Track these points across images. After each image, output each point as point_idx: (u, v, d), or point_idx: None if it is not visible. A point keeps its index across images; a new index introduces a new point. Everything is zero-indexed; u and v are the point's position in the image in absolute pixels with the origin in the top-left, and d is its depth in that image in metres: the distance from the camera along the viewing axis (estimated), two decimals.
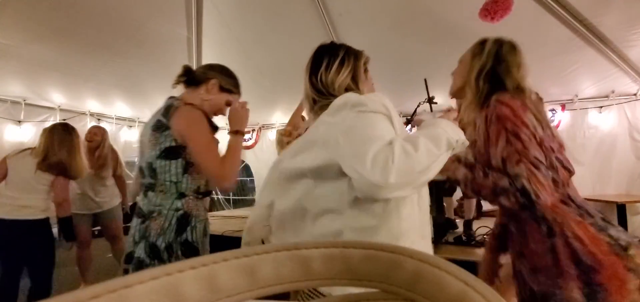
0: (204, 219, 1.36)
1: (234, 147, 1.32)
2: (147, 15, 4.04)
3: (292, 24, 4.36)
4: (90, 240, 3.16)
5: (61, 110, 5.14)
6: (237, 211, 5.05)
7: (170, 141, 1.25)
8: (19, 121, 4.74)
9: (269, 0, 4.06)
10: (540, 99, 1.08)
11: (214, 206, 6.54)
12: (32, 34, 3.79)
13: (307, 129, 1.01)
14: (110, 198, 3.24)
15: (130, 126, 6.21)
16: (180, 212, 1.26)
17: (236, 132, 1.35)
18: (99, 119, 5.65)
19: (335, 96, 0.92)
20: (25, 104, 4.77)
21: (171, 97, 1.37)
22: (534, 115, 0.93)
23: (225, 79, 1.43)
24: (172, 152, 1.25)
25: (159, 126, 1.27)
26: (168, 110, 1.28)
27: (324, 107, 0.92)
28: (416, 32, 4.19)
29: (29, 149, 2.54)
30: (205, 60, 4.95)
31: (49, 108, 5.04)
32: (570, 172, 0.96)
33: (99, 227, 3.29)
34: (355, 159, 0.72)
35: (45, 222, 2.39)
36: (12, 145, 4.65)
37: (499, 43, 1.11)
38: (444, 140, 0.75)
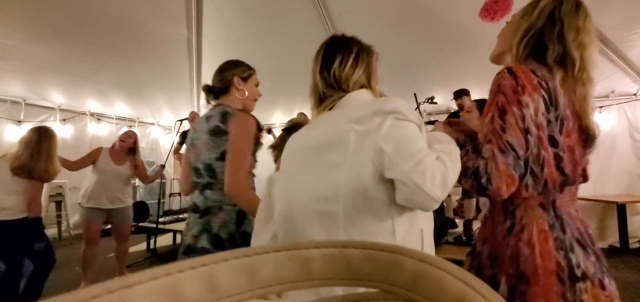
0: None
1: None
2: (147, 15, 4.05)
3: (292, 24, 4.36)
4: (99, 238, 3.19)
5: (61, 110, 5.14)
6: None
7: (228, 145, 1.37)
8: (19, 121, 4.74)
9: (269, 0, 4.06)
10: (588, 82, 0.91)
11: None
12: (32, 34, 3.79)
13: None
14: (127, 197, 3.33)
15: (130, 126, 6.21)
16: (238, 207, 1.39)
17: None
18: (99, 119, 5.66)
19: (345, 92, 0.90)
20: (25, 104, 4.77)
21: (217, 105, 1.50)
22: (545, 99, 0.81)
23: (239, 70, 1.54)
24: None
25: (217, 131, 1.39)
26: (226, 117, 1.41)
27: (334, 103, 0.90)
28: (416, 32, 4.19)
29: (6, 153, 2.62)
30: (205, 60, 4.95)
31: (49, 108, 5.04)
32: (566, 177, 0.84)
33: (104, 227, 3.31)
34: (414, 173, 0.72)
35: (23, 222, 2.47)
36: (12, 145, 4.65)
37: (559, 0, 0.90)
38: (456, 153, 0.83)
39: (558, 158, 0.83)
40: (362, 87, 0.93)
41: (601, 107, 4.32)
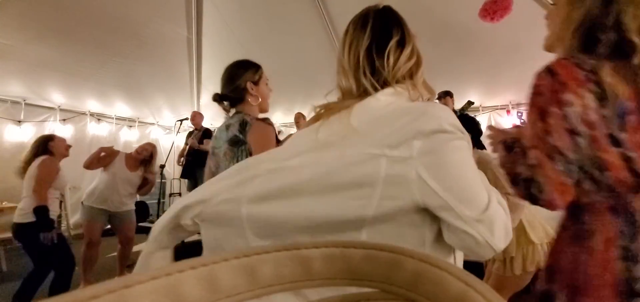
0: None
1: None
2: (148, 15, 4.05)
3: (292, 24, 4.36)
4: (100, 239, 3.21)
5: (61, 110, 5.14)
6: None
7: (246, 154, 1.38)
8: (19, 121, 4.74)
9: (269, 0, 4.06)
10: None
11: None
12: (32, 34, 3.79)
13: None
14: (131, 202, 3.38)
15: (130, 126, 6.21)
16: None
17: None
18: (99, 119, 5.66)
19: (386, 85, 0.70)
20: (25, 104, 4.77)
21: (236, 112, 1.50)
22: (596, 93, 0.71)
23: (250, 74, 1.53)
24: None
25: (236, 141, 1.40)
26: (244, 126, 1.41)
27: (362, 97, 0.69)
28: (416, 32, 4.18)
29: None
30: (205, 61, 4.95)
31: (49, 108, 5.04)
32: (637, 176, 0.72)
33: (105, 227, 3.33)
34: (480, 224, 0.58)
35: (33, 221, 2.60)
36: (12, 145, 4.65)
37: None
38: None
39: (627, 159, 0.71)
40: (397, 82, 0.72)
41: None
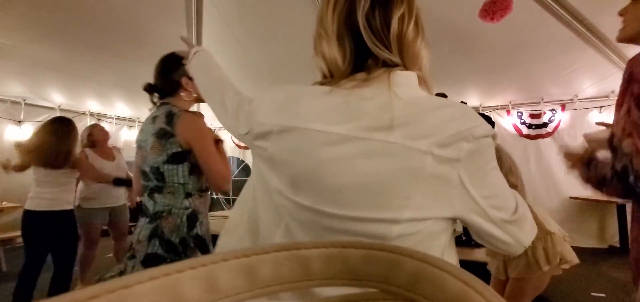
0: (206, 215, 1.48)
1: (223, 152, 1.51)
2: (147, 15, 4.05)
3: (292, 25, 4.36)
4: (99, 239, 3.21)
5: (61, 110, 5.14)
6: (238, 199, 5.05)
7: (176, 147, 1.35)
8: (19, 121, 4.74)
9: (269, 0, 4.06)
10: None
11: (214, 205, 6.54)
12: (32, 34, 3.79)
13: None
14: (123, 194, 3.35)
15: (130, 126, 6.21)
16: (189, 210, 1.37)
17: (219, 141, 1.52)
18: (99, 119, 5.66)
19: (399, 65, 0.58)
20: (25, 104, 4.77)
21: (165, 103, 1.45)
22: None
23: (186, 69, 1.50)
24: (179, 157, 1.35)
25: (164, 134, 1.35)
26: (171, 118, 1.37)
27: (386, 79, 0.56)
28: None
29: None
30: None
31: (49, 108, 5.04)
32: None
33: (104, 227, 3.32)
34: (513, 226, 0.57)
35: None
36: (12, 145, 4.66)
37: None
38: None
39: None
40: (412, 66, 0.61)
41: (601, 107, 4.32)
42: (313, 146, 0.56)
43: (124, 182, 2.88)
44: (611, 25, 3.51)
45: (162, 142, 1.35)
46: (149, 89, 1.49)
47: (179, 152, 1.35)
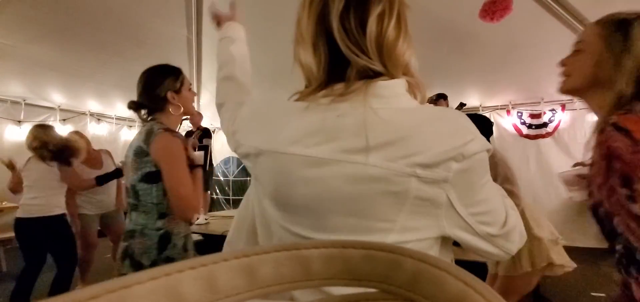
0: (185, 235, 1.43)
1: (200, 181, 1.47)
2: (147, 15, 4.05)
3: (292, 25, 4.35)
4: (97, 241, 3.21)
5: (61, 110, 5.14)
6: (237, 211, 5.05)
7: (150, 166, 1.31)
8: (19, 121, 4.74)
9: (269, 0, 4.06)
10: None
11: (213, 205, 6.54)
12: (32, 34, 3.79)
13: None
14: (115, 198, 3.33)
15: (130, 126, 6.21)
16: (162, 231, 1.33)
17: (197, 167, 1.48)
18: (99, 119, 5.66)
19: (383, 73, 0.52)
20: (25, 104, 4.77)
21: (152, 119, 1.42)
22: None
23: (170, 82, 1.44)
24: (152, 177, 1.32)
25: (140, 152, 1.32)
26: (149, 136, 1.33)
27: (368, 90, 0.51)
28: (415, 32, 4.17)
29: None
30: (205, 60, 4.95)
31: (49, 108, 5.04)
32: None
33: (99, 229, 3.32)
34: (501, 239, 0.55)
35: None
36: (12, 145, 4.65)
37: None
38: None
39: None
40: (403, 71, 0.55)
41: None
42: (292, 169, 0.52)
43: (108, 177, 2.83)
44: None
45: (137, 161, 1.32)
46: (134, 106, 1.43)
47: (153, 172, 1.31)
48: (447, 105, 3.72)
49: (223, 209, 6.25)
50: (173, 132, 1.38)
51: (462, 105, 4.26)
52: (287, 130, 0.54)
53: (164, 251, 1.33)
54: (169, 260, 1.33)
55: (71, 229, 2.75)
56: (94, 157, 3.20)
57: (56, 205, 2.64)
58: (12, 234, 4.29)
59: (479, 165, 0.51)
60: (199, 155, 1.53)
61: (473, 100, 5.08)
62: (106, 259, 3.80)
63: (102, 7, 3.79)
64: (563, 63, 0.93)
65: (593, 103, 0.84)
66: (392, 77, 0.53)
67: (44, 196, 2.60)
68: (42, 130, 2.73)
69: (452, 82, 4.48)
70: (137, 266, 1.29)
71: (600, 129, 0.74)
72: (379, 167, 0.48)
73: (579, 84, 0.89)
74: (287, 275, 0.23)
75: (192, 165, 1.43)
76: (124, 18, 3.98)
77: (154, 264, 1.30)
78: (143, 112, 1.44)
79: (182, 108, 1.45)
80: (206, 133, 4.67)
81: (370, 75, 0.52)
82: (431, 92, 4.27)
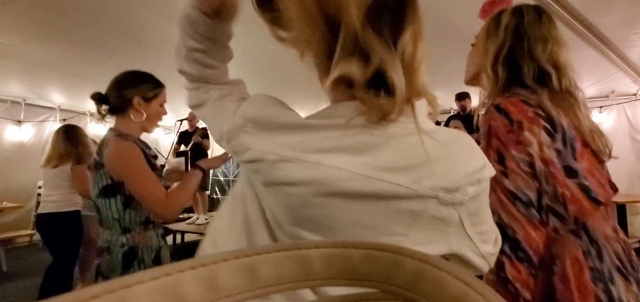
0: (157, 248, 1.34)
1: (191, 181, 1.35)
2: (147, 15, 4.05)
3: None
4: (98, 240, 3.22)
5: (61, 110, 5.15)
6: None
7: (106, 179, 1.23)
8: (19, 121, 4.75)
9: None
10: (572, 95, 0.82)
11: (213, 205, 6.54)
12: (32, 34, 3.79)
13: None
14: None
15: None
16: (126, 248, 1.24)
17: (196, 166, 1.38)
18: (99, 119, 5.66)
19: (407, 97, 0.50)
20: (25, 104, 4.78)
21: (110, 129, 1.33)
22: (547, 129, 0.73)
23: (143, 89, 1.37)
24: (110, 190, 1.24)
25: (96, 164, 1.26)
26: (101, 147, 1.26)
27: (400, 115, 0.49)
28: None
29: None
30: None
31: (49, 108, 5.05)
32: (597, 202, 0.73)
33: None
34: (492, 256, 0.59)
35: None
36: (12, 145, 4.65)
37: (519, 13, 0.84)
38: None
39: (585, 188, 0.72)
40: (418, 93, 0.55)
41: (601, 107, 4.32)
42: (328, 181, 0.50)
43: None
44: (611, 25, 3.51)
45: (95, 175, 1.25)
46: (98, 98, 1.33)
47: (110, 185, 1.22)
48: (470, 103, 3.70)
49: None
50: (126, 136, 1.29)
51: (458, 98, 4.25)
52: (314, 140, 0.51)
53: (130, 268, 1.24)
54: None
55: (81, 228, 2.83)
56: None
57: (70, 202, 2.78)
58: (12, 234, 4.30)
59: (487, 189, 0.54)
60: (177, 162, 1.45)
61: (474, 100, 5.08)
62: None
63: (102, 7, 3.79)
64: (467, 58, 1.02)
65: (484, 89, 0.90)
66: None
67: (57, 194, 2.76)
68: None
69: (454, 82, 4.47)
70: None
71: (485, 110, 0.82)
72: (404, 187, 0.48)
73: (470, 75, 0.99)
74: (287, 275, 0.23)
75: (153, 165, 1.34)
76: (124, 18, 3.98)
77: None
78: (104, 107, 1.34)
79: (144, 117, 1.35)
80: (206, 133, 4.67)
81: None
82: (433, 92, 4.27)
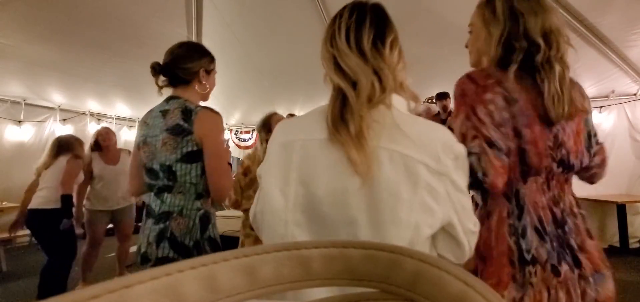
0: (215, 217, 1.44)
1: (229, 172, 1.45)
2: (147, 15, 4.05)
3: (292, 25, 4.36)
4: (102, 240, 3.22)
5: (61, 110, 5.14)
6: (237, 211, 5.06)
7: (192, 145, 1.26)
8: (19, 121, 4.74)
9: (270, 0, 4.06)
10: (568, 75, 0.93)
11: (213, 205, 6.53)
12: (32, 34, 3.79)
13: None
14: (128, 195, 3.30)
15: (130, 126, 6.21)
16: (201, 211, 1.30)
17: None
18: (99, 119, 5.66)
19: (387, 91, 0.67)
20: (25, 104, 4.77)
21: (172, 98, 1.35)
22: (504, 96, 0.87)
23: (206, 62, 1.42)
24: (194, 156, 1.27)
25: (180, 130, 1.26)
26: (189, 114, 1.28)
27: (383, 104, 0.65)
28: (416, 32, 4.18)
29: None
30: None
31: (49, 108, 5.04)
32: (527, 167, 0.87)
33: (109, 226, 3.33)
34: (473, 235, 0.68)
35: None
36: (12, 145, 4.65)
37: None
38: None
39: (521, 151, 0.86)
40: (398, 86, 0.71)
41: (601, 107, 4.32)
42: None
43: (65, 203, 2.75)
44: (611, 25, 3.51)
45: (177, 139, 1.26)
46: (158, 69, 1.36)
47: (195, 151, 1.26)
48: (450, 102, 3.75)
49: (223, 209, 6.24)
50: (213, 110, 1.34)
51: None
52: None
53: (206, 231, 1.29)
54: (212, 240, 1.31)
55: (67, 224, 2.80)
56: (113, 153, 3.23)
57: (55, 199, 2.75)
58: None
59: (463, 166, 0.67)
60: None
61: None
62: (109, 259, 3.80)
63: (102, 8, 3.79)
64: (466, 45, 1.13)
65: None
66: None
67: (44, 190, 2.79)
68: None
69: (452, 82, 4.46)
70: (180, 247, 1.25)
71: (459, 79, 0.97)
72: (400, 153, 0.62)
73: (474, 60, 1.09)
74: (287, 275, 0.23)
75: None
76: (124, 18, 3.98)
77: (196, 244, 1.26)
78: (162, 79, 1.37)
79: (208, 89, 1.43)
80: None
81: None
82: (433, 91, 4.26)
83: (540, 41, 0.90)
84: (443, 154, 0.62)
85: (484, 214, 0.91)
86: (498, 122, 0.85)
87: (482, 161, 0.82)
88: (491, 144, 0.83)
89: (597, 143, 0.98)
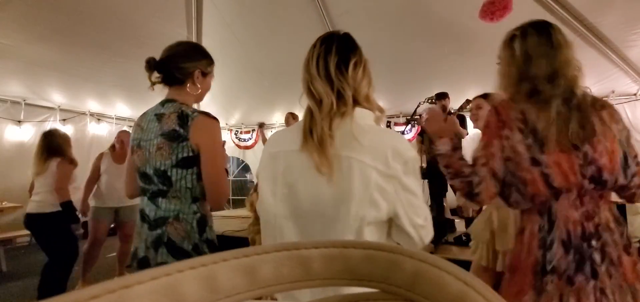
0: (212, 218, 1.43)
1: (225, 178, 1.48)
2: (147, 15, 4.05)
3: (292, 24, 4.36)
4: (105, 239, 3.23)
5: (61, 110, 5.14)
6: (237, 211, 5.06)
7: (188, 151, 1.25)
8: (19, 121, 4.74)
9: (270, 0, 4.06)
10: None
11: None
12: (32, 34, 3.79)
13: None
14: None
15: (131, 126, 6.20)
16: (198, 215, 1.30)
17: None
18: (99, 119, 5.66)
19: (355, 103, 0.85)
20: (25, 104, 4.77)
21: (167, 101, 1.34)
22: (521, 129, 0.98)
23: (203, 64, 1.39)
24: (189, 162, 1.26)
25: (176, 136, 1.25)
26: (185, 120, 1.26)
27: (345, 115, 0.82)
28: (416, 32, 4.19)
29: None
30: None
31: (49, 108, 5.04)
32: (555, 189, 0.95)
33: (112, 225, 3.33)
34: (423, 229, 0.82)
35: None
36: (12, 145, 4.65)
37: (523, 35, 1.06)
38: None
39: (544, 175, 0.95)
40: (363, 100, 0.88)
41: None
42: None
43: (67, 211, 2.76)
44: (611, 25, 3.51)
45: (172, 145, 1.24)
46: (153, 65, 1.32)
47: (190, 156, 1.25)
48: (449, 102, 3.77)
49: (223, 209, 6.24)
50: (210, 115, 1.33)
51: (467, 102, 4.28)
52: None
53: (204, 233, 1.29)
54: (210, 242, 1.31)
55: (64, 226, 2.80)
56: (123, 152, 3.24)
57: (51, 203, 2.73)
58: (12, 234, 4.29)
59: (413, 169, 0.81)
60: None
61: (471, 98, 5.08)
62: (109, 259, 3.80)
63: (102, 8, 3.79)
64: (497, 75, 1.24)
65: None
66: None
67: (39, 194, 2.76)
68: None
69: (453, 82, 4.48)
70: (178, 252, 1.24)
71: (489, 109, 1.10)
72: (356, 160, 0.79)
73: (500, 88, 1.18)
74: (287, 275, 0.23)
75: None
76: (124, 18, 3.98)
77: (195, 247, 1.26)
78: (155, 75, 1.33)
79: (200, 91, 1.39)
80: None
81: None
82: (433, 91, 4.26)
83: (544, 83, 1.01)
84: (392, 160, 0.77)
85: (520, 229, 1.04)
86: (507, 157, 0.98)
87: (481, 184, 0.99)
88: (494, 174, 0.99)
89: (638, 164, 1.02)
